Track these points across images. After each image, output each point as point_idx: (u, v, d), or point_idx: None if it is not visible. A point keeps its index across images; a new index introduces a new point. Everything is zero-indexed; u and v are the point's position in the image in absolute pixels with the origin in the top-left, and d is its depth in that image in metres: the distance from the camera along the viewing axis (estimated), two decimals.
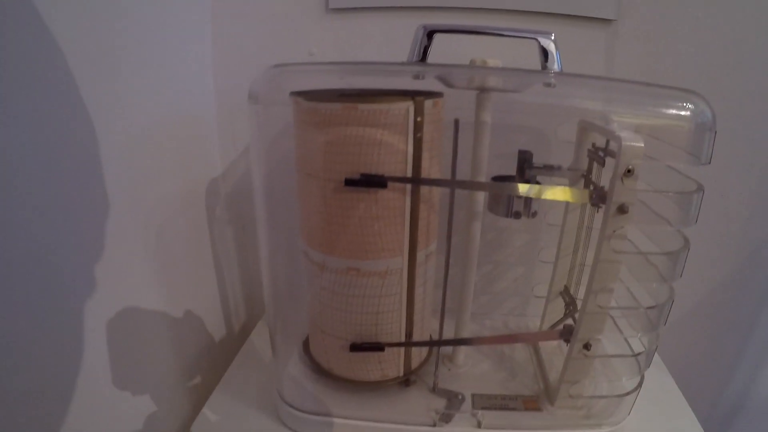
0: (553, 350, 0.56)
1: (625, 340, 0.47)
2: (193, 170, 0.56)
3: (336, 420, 0.48)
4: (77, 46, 0.35)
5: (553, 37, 0.41)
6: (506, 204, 0.44)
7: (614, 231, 0.40)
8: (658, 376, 0.60)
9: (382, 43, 0.57)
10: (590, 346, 0.45)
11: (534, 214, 0.46)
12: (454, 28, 0.42)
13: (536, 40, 0.41)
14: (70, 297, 0.36)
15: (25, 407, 0.32)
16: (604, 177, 0.47)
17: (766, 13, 0.56)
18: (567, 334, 0.46)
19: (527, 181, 0.46)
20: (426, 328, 0.51)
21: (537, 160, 0.46)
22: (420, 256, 0.44)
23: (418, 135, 0.39)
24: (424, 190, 0.42)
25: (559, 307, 0.56)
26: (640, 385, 0.48)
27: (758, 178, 0.64)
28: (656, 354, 0.65)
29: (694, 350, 0.84)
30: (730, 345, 0.85)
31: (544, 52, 0.41)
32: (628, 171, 0.38)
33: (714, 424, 1.02)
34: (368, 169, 0.38)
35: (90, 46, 0.37)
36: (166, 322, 0.52)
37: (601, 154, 0.46)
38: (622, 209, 0.39)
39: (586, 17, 0.57)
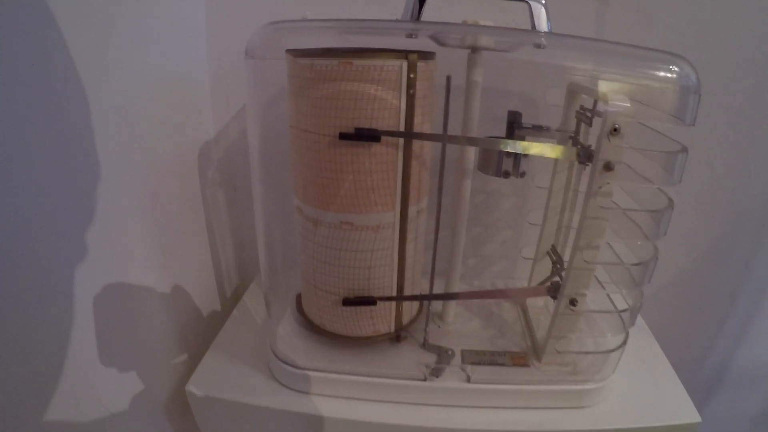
0: (540, 310, 0.59)
1: (609, 297, 0.49)
2: (186, 133, 0.58)
3: (328, 375, 0.50)
4: (67, 6, 0.36)
5: (543, 1, 0.43)
6: (496, 163, 0.46)
7: (600, 187, 0.42)
8: (644, 339, 0.63)
9: (376, 6, 0.58)
10: (576, 301, 0.47)
11: (523, 174, 0.48)
12: None
13: (527, 2, 0.43)
14: (63, 261, 0.38)
15: (18, 369, 0.34)
16: (591, 138, 0.49)
17: None
18: (554, 290, 0.48)
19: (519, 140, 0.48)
20: (417, 285, 0.54)
21: (527, 122, 0.48)
22: (411, 211, 0.46)
23: (411, 91, 0.40)
24: (416, 145, 0.43)
25: (546, 267, 0.58)
26: (624, 342, 0.50)
27: (745, 148, 0.66)
28: (642, 320, 0.68)
29: (678, 319, 0.87)
30: (712, 314, 0.89)
31: (534, 15, 0.43)
32: (615, 129, 0.40)
33: (697, 391, 1.07)
34: (362, 123, 0.40)
35: (81, 7, 0.38)
36: (160, 285, 0.53)
37: (588, 114, 0.48)
38: (608, 166, 0.41)
39: None
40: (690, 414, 0.51)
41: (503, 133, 0.48)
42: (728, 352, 0.98)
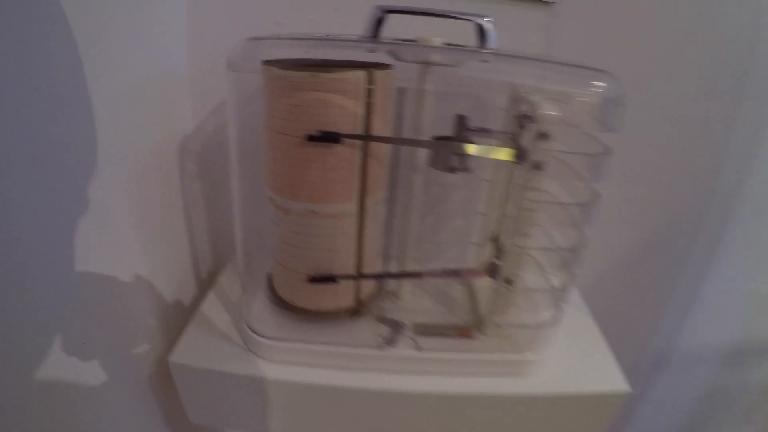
0: (484, 289, 0.68)
1: (544, 276, 0.58)
2: (166, 128, 0.64)
3: (295, 345, 0.58)
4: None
5: (490, 20, 0.51)
6: (443, 161, 0.54)
7: (529, 184, 0.50)
8: (582, 319, 0.71)
9: (345, 13, 0.65)
10: (511, 281, 0.56)
11: (469, 170, 0.56)
12: (404, 9, 0.50)
13: (474, 21, 0.50)
14: (52, 246, 0.43)
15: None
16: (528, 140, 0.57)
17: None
18: (492, 271, 0.57)
19: (462, 141, 0.56)
20: (374, 266, 0.61)
21: (475, 124, 0.56)
22: (369, 202, 0.54)
23: (369, 100, 0.48)
24: (373, 146, 0.51)
25: (490, 252, 0.67)
26: (557, 318, 0.59)
27: (678, 153, 0.76)
28: (583, 303, 0.77)
29: (623, 304, 0.97)
30: (656, 300, 0.99)
31: (482, 33, 0.51)
32: (543, 135, 0.49)
33: (643, 372, 1.18)
34: (327, 127, 0.47)
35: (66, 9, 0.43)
36: (143, 267, 0.60)
37: (524, 120, 0.56)
38: (537, 166, 0.50)
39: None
40: (619, 384, 0.59)
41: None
42: (671, 336, 1.07)
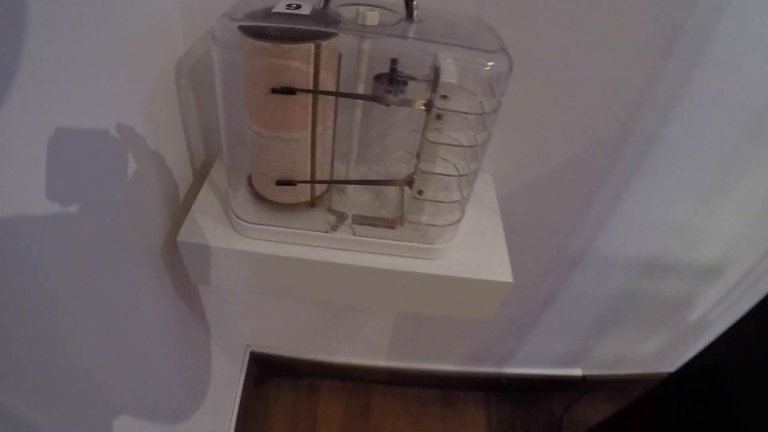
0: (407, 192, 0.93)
1: (447, 190, 0.82)
2: (162, 54, 0.84)
3: (267, 227, 0.83)
4: None
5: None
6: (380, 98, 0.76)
7: (432, 127, 0.73)
8: (493, 221, 0.95)
9: None
10: (422, 192, 0.80)
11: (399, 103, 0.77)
12: None
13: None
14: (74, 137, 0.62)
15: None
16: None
17: None
18: (409, 183, 0.81)
19: (393, 83, 0.77)
20: (326, 171, 0.85)
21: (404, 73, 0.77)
22: (319, 129, 0.76)
23: (317, 62, 0.69)
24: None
25: (411, 167, 0.91)
26: (459, 219, 0.84)
27: (602, 91, 0.93)
28: (498, 206, 1.00)
29: (542, 212, 1.18)
30: (574, 208, 1.18)
31: (408, 4, 0.71)
32: (444, 96, 0.70)
33: (563, 269, 1.41)
34: (285, 83, 0.69)
35: None
36: (153, 161, 0.84)
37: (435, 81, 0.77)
38: (438, 117, 0.72)
39: None
40: (505, 275, 0.84)
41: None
42: (588, 242, 1.29)
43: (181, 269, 0.89)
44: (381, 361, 1.83)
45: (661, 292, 1.55)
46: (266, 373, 1.82)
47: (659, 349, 1.86)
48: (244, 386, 1.70)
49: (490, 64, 0.68)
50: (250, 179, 0.87)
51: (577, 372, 1.91)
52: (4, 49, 0.45)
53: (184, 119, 0.92)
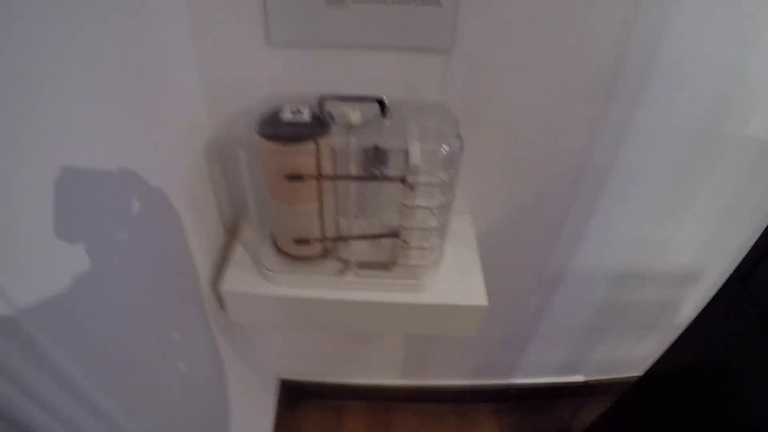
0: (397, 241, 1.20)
1: (427, 239, 1.08)
2: (194, 143, 1.13)
3: (289, 275, 1.10)
4: None
5: (384, 98, 0.97)
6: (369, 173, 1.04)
7: (407, 195, 1.00)
8: (469, 255, 1.18)
9: (318, 75, 1.09)
10: (406, 241, 1.07)
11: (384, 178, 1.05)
12: (340, 97, 0.97)
13: (376, 100, 0.97)
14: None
15: None
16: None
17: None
18: (396, 235, 1.08)
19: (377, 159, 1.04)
20: (332, 229, 1.12)
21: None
22: (324, 200, 1.03)
23: (318, 154, 0.96)
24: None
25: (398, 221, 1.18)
26: (439, 259, 1.11)
27: (556, 136, 1.23)
28: (474, 242, 1.26)
29: (518, 237, 1.35)
30: (546, 235, 1.35)
31: (381, 106, 0.98)
32: (414, 170, 0.97)
33: (545, 288, 1.59)
34: (294, 172, 0.96)
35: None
36: (194, 227, 1.12)
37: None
38: (411, 188, 0.98)
39: (424, 48, 1.09)
40: (481, 300, 1.08)
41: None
42: (565, 261, 1.45)
43: (221, 311, 1.17)
44: (398, 380, 2.08)
45: (644, 299, 1.73)
46: (295, 397, 2.08)
47: (653, 350, 2.07)
48: (277, 411, 1.97)
49: (445, 147, 0.95)
50: (273, 237, 1.15)
51: (579, 378, 2.14)
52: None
53: (215, 188, 1.20)
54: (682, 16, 0.97)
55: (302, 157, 0.93)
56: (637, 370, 2.18)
